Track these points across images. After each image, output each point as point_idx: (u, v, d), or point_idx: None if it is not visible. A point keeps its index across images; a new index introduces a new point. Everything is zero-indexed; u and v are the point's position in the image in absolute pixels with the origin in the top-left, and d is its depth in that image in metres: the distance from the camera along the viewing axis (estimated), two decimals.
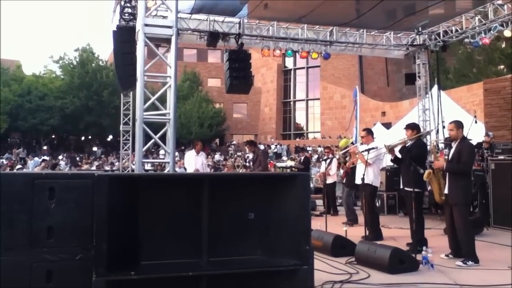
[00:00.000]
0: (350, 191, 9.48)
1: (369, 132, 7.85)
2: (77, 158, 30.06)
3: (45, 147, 35.69)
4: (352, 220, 9.09)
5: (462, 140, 5.78)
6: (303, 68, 42.55)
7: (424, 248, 5.52)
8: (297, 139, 41.09)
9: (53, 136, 37.96)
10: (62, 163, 24.66)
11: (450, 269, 5.28)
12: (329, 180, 10.89)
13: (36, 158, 22.14)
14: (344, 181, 9.54)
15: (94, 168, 21.50)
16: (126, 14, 9.98)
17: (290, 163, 19.02)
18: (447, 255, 5.80)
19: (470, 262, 5.39)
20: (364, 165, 7.15)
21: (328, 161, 10.75)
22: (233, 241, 3.49)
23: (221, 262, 3.34)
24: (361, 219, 8.26)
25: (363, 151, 7.29)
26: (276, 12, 11.27)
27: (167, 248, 3.33)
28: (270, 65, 42.99)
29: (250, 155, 12.64)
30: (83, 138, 39.59)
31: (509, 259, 5.62)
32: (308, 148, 31.81)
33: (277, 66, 43.04)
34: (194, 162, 10.07)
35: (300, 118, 44.20)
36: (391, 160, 7.02)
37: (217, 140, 41.26)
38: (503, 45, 24.06)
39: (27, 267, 3.09)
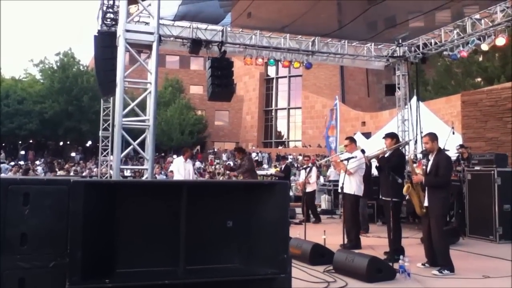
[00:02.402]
0: (364, 200, 9.19)
1: (352, 140, 7.86)
2: (55, 164, 29.53)
3: (22, 152, 35.00)
4: (364, 230, 8.92)
5: (439, 152, 5.86)
6: (285, 77, 42.77)
7: (401, 257, 5.57)
8: (278, 147, 41.19)
9: (31, 141, 37.28)
10: (39, 168, 24.17)
11: (427, 278, 5.33)
12: (309, 189, 10.97)
13: (4, 165, 21.43)
14: None
15: (72, 174, 21.15)
16: (108, 20, 9.90)
17: (273, 170, 19.05)
18: (423, 264, 5.86)
19: (446, 271, 5.46)
20: (344, 173, 7.20)
21: (308, 169, 10.80)
22: (211, 249, 3.46)
23: (199, 270, 3.30)
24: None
25: (343, 160, 7.34)
26: (259, 21, 11.33)
27: (144, 255, 3.28)
28: (252, 74, 43.11)
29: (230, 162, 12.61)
30: (61, 143, 38.97)
31: (483, 268, 5.74)
32: (289, 157, 31.91)
33: (260, 74, 43.21)
34: (183, 168, 10.08)
35: (281, 126, 44.36)
36: (376, 167, 7.04)
37: (198, 147, 41.09)
38: (480, 58, 24.60)
39: None
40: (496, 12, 9.98)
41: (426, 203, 5.80)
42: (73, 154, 35.98)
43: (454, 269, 5.51)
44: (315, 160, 21.44)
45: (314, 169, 11.25)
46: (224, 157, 35.89)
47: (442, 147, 6.58)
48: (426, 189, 5.83)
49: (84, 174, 21.59)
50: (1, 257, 3.04)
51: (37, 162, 29.26)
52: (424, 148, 6.19)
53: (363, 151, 8.23)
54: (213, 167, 27.67)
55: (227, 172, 19.61)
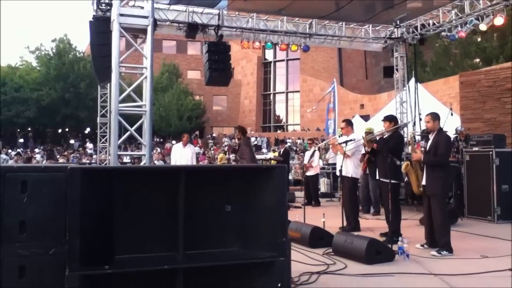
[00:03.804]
0: (375, 181, 9.11)
1: (348, 123, 7.81)
2: (55, 151, 29.49)
3: (21, 140, 34.95)
4: (375, 212, 9.24)
5: (439, 132, 5.86)
6: (283, 60, 42.52)
7: (400, 238, 5.60)
8: (277, 132, 41.15)
9: (29, 129, 37.19)
10: (38, 156, 24.15)
11: (425, 258, 5.37)
12: (311, 172, 11.00)
13: (3, 155, 21.13)
14: (368, 173, 9.02)
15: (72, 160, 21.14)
16: (103, 4, 9.75)
17: (271, 154, 19.11)
18: (422, 245, 5.90)
19: (444, 252, 5.50)
20: (343, 156, 7.20)
21: (311, 152, 10.83)
22: (210, 234, 3.47)
23: (198, 255, 3.32)
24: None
25: (341, 143, 7.33)
26: (256, 4, 11.19)
27: (143, 241, 3.29)
28: (250, 58, 42.83)
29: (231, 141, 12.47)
30: (60, 130, 38.87)
31: (482, 248, 5.78)
32: (288, 140, 31.91)
33: (257, 58, 42.91)
34: (180, 155, 9.93)
35: (280, 110, 44.26)
36: (367, 152, 7.08)
37: (197, 133, 41.04)
38: (479, 39, 24.45)
39: None
40: None
41: (423, 182, 5.82)
42: (72, 141, 35.93)
43: (452, 249, 5.54)
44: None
45: (317, 153, 11.26)
46: (225, 142, 35.82)
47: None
48: (425, 168, 5.84)
49: (83, 161, 21.59)
50: (0, 245, 3.04)
51: (36, 150, 29.24)
52: (425, 127, 6.18)
53: (368, 133, 8.23)
54: (212, 151, 27.66)
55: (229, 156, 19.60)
